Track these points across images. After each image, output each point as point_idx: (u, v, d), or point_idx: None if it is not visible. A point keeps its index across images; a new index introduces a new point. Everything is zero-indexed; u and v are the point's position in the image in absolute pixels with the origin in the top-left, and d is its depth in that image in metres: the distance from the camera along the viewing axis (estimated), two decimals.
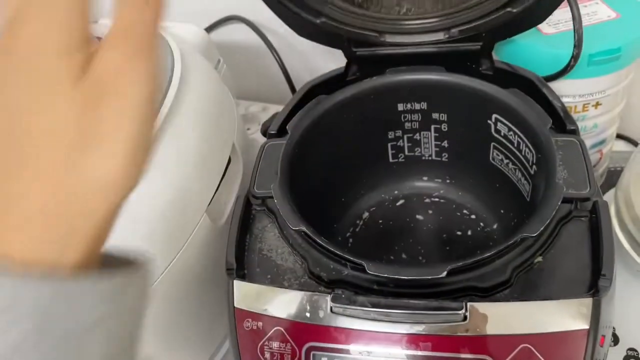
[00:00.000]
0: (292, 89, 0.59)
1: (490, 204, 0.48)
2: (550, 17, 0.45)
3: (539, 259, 0.33)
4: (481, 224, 0.48)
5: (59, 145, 0.18)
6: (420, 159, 0.50)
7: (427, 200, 0.51)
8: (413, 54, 0.46)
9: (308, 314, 0.29)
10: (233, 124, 0.42)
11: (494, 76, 0.45)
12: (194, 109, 0.38)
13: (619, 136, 0.58)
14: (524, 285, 0.32)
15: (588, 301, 0.28)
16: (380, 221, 0.50)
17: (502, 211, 0.47)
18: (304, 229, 0.35)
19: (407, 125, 0.48)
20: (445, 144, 0.48)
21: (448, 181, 0.50)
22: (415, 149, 0.50)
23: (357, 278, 0.33)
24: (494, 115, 0.42)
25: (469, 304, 0.28)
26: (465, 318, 0.28)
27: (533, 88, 0.43)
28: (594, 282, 0.30)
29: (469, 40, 0.43)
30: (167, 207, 0.34)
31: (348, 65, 0.48)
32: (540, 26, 0.48)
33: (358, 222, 0.50)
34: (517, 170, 0.43)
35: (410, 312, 0.28)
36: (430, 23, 0.43)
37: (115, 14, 0.19)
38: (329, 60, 0.63)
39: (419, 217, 0.49)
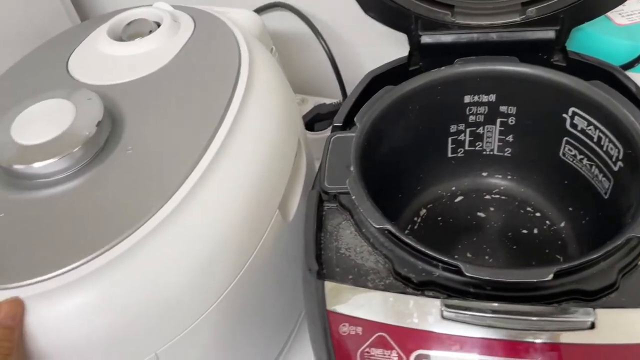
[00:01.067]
0: (340, 79, 0.57)
1: (556, 201, 0.46)
2: (623, 7, 0.43)
3: None
4: (547, 221, 0.46)
5: None
6: (480, 154, 0.48)
7: (487, 196, 0.49)
8: (480, 42, 0.44)
9: (416, 319, 0.27)
10: (298, 115, 0.40)
11: (567, 68, 0.43)
12: (264, 100, 0.36)
13: None
14: (631, 288, 0.30)
15: None
16: (439, 218, 0.48)
17: (570, 209, 0.45)
18: (389, 227, 0.33)
19: (472, 118, 0.46)
20: (510, 138, 0.46)
21: (509, 177, 0.48)
22: (477, 144, 0.48)
23: (450, 280, 0.31)
24: (571, 109, 0.40)
25: (596, 310, 0.26)
26: (593, 325, 0.26)
27: (613, 81, 0.40)
28: None
29: (545, 24, 0.41)
30: (244, 202, 0.32)
31: (410, 54, 0.46)
32: (612, 16, 0.46)
33: (416, 219, 0.48)
34: (593, 167, 0.41)
35: (532, 318, 0.26)
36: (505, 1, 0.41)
37: None
38: (373, 52, 0.61)
39: (481, 214, 0.47)
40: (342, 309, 0.28)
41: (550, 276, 0.29)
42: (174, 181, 0.29)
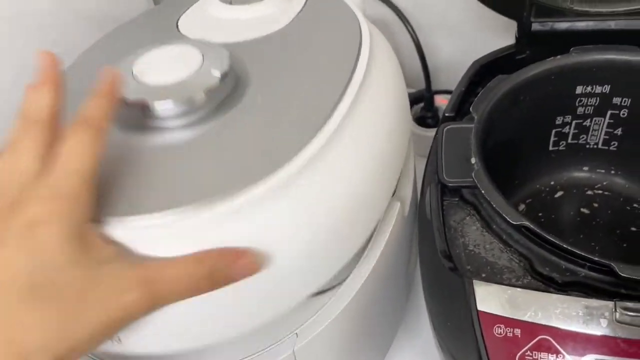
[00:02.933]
0: (425, 68, 0.55)
1: None
2: None
3: None
4: None
5: None
6: (583, 147, 0.46)
7: (590, 192, 0.47)
8: (595, 31, 0.42)
9: (584, 322, 0.26)
10: (407, 103, 0.39)
11: None
12: (384, 80, 0.34)
13: None
14: None
15: None
16: (540, 214, 0.46)
17: None
18: (527, 223, 0.31)
19: (580, 110, 0.44)
20: (618, 131, 0.44)
21: (613, 172, 0.46)
22: (580, 137, 0.46)
23: (599, 281, 0.29)
24: None
25: None
26: None
27: None
28: None
29: None
30: (373, 162, 0.31)
31: (518, 42, 0.44)
32: None
33: None
34: None
35: None
36: None
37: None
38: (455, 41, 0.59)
39: (584, 210, 0.46)
40: (497, 309, 0.27)
41: None
42: (316, 120, 0.28)
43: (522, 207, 0.47)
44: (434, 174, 0.37)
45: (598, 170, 0.47)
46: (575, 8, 0.40)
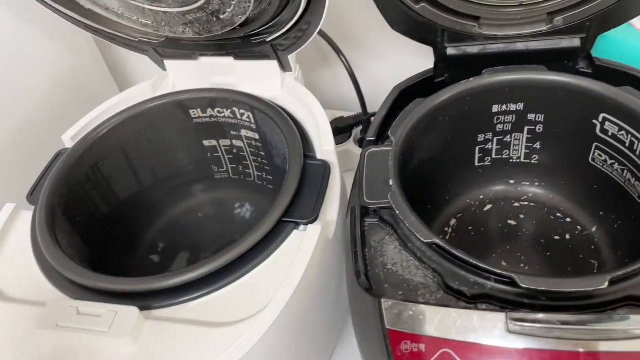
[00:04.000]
0: (360, 93, 0.57)
1: (586, 206, 0.46)
2: None
3: None
4: (578, 227, 0.46)
5: None
6: (507, 161, 0.49)
7: (516, 204, 0.49)
8: (505, 52, 0.44)
9: (479, 334, 0.27)
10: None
11: (593, 74, 0.43)
12: None
13: None
14: None
15: None
16: (470, 227, 0.48)
17: (601, 213, 0.45)
18: (437, 241, 0.33)
19: (499, 127, 0.46)
20: (537, 145, 0.47)
21: (537, 184, 0.49)
22: (504, 152, 0.48)
23: (504, 292, 0.31)
24: (601, 115, 0.41)
25: None
26: None
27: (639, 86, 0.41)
28: None
29: (571, 32, 0.42)
30: None
31: (436, 66, 0.46)
32: (635, 23, 0.46)
33: (446, 229, 0.48)
34: (625, 171, 0.41)
35: (601, 327, 0.26)
36: (532, 9, 0.41)
37: None
38: (391, 65, 0.62)
39: (511, 222, 0.48)
40: (403, 326, 0.28)
41: (606, 284, 0.29)
42: None
43: (453, 221, 0.49)
44: (355, 197, 0.39)
45: (523, 183, 0.49)
46: (484, 32, 0.43)
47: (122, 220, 0.48)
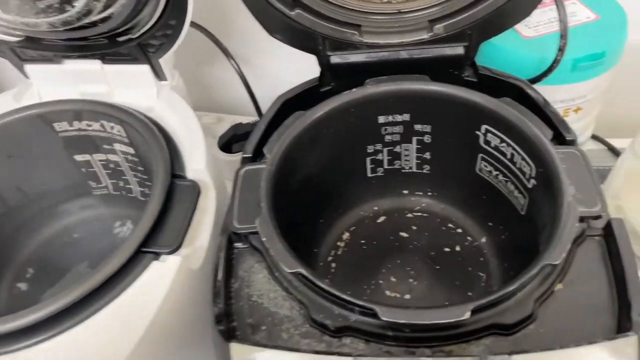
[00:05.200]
0: (253, 99, 0.54)
1: (476, 217, 0.46)
2: (529, 18, 0.43)
3: (559, 286, 0.31)
4: (468, 237, 0.45)
5: None
6: (399, 172, 0.47)
7: (410, 215, 0.48)
8: (390, 61, 0.43)
9: None
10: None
11: (478, 83, 0.42)
12: None
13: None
14: (548, 318, 0.30)
15: (633, 340, 0.26)
16: (363, 241, 0.46)
17: (490, 224, 0.45)
18: (301, 271, 0.31)
19: (388, 138, 0.44)
20: (427, 155, 0.45)
21: (430, 194, 0.48)
22: (395, 162, 0.47)
23: (367, 324, 0.29)
24: (483, 126, 0.40)
25: (512, 357, 0.25)
26: None
27: (522, 95, 0.40)
28: (623, 310, 0.28)
29: (453, 40, 0.40)
30: None
31: (322, 75, 0.44)
32: (519, 28, 0.46)
33: (339, 243, 0.46)
34: (508, 183, 0.41)
35: None
36: (412, 17, 0.40)
37: None
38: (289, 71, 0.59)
39: (403, 234, 0.46)
40: None
41: (468, 315, 0.27)
42: None
43: (346, 235, 0.47)
44: (226, 220, 0.36)
45: (416, 193, 0.48)
46: (366, 40, 0.41)
47: None
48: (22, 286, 0.45)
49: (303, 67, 0.58)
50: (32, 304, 0.43)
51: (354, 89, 0.41)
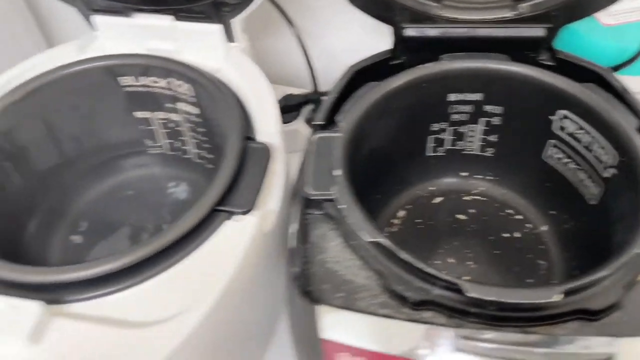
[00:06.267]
0: (312, 71, 0.53)
1: (539, 205, 0.45)
2: (611, 6, 0.41)
3: None
4: (528, 225, 0.44)
5: None
6: (460, 153, 0.46)
7: (467, 198, 0.47)
8: (466, 38, 0.41)
9: (426, 350, 0.25)
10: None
11: (555, 67, 0.41)
12: None
13: None
14: (633, 306, 0.29)
15: None
16: (419, 220, 0.46)
17: (553, 212, 0.44)
18: (381, 240, 0.30)
19: (455, 117, 0.44)
20: (493, 138, 0.45)
21: (490, 178, 0.47)
22: (457, 143, 0.46)
23: (450, 299, 0.29)
24: (561, 112, 0.39)
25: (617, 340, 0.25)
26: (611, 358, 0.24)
27: (601, 83, 0.39)
28: None
29: (536, 21, 0.39)
30: None
31: (394, 48, 0.43)
32: (598, 15, 0.45)
33: (394, 221, 0.46)
34: (579, 171, 0.40)
35: (554, 350, 0.24)
36: None
37: None
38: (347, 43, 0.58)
39: (461, 216, 0.46)
40: (341, 337, 0.26)
41: (558, 297, 0.27)
42: None
43: (402, 213, 0.46)
44: (299, 185, 0.35)
45: (475, 176, 0.47)
46: (446, 15, 0.40)
47: (38, 196, 0.43)
48: (76, 239, 0.45)
49: (356, 44, 0.57)
50: (85, 257, 0.44)
51: (429, 64, 0.40)
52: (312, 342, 0.26)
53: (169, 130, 0.47)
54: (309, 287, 0.30)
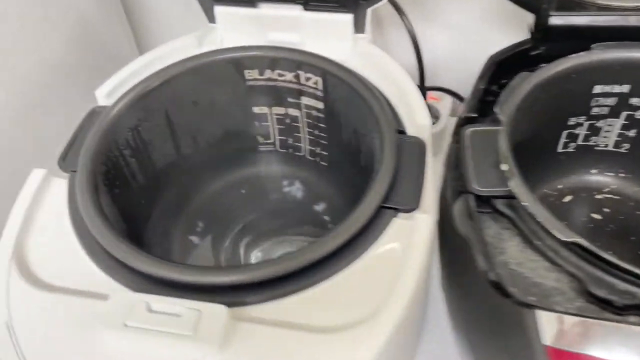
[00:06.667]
0: (421, 66, 0.51)
1: None
2: None
3: None
4: None
5: None
6: (592, 149, 0.44)
7: (598, 196, 0.45)
8: (615, 27, 0.39)
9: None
10: None
11: None
12: None
13: None
14: None
15: None
16: None
17: None
18: (579, 241, 0.28)
19: (595, 110, 0.41)
20: (632, 133, 0.42)
21: (622, 175, 0.45)
22: (591, 138, 0.43)
23: None
24: None
25: None
26: None
27: None
28: None
29: None
30: None
31: (533, 38, 0.41)
32: None
33: None
34: None
35: None
36: None
37: None
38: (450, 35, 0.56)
39: (596, 215, 0.43)
40: (565, 344, 0.24)
41: None
42: None
43: None
44: (456, 182, 0.33)
45: (607, 173, 0.45)
46: (598, 2, 0.37)
47: (156, 195, 0.42)
48: (194, 239, 0.43)
49: (461, 40, 0.55)
50: (204, 257, 0.42)
51: (581, 53, 0.38)
52: (529, 351, 0.24)
53: (283, 127, 0.45)
54: (507, 291, 0.28)
